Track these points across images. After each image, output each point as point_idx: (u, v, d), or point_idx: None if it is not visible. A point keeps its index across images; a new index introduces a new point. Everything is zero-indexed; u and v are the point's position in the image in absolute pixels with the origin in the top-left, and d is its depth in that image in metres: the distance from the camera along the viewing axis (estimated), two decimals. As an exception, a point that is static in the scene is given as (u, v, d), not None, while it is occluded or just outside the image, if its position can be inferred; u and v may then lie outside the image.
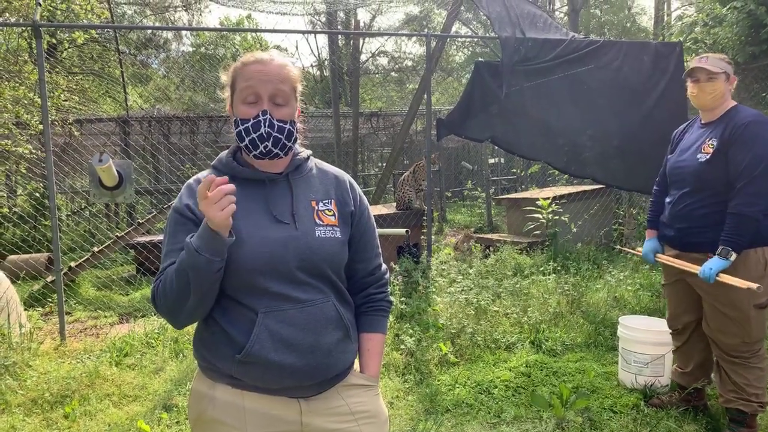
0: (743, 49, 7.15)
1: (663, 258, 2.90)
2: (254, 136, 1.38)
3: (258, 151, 1.39)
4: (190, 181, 1.47)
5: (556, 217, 6.70)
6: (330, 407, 1.43)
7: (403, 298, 4.83)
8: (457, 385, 3.52)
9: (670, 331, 3.07)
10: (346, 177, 1.57)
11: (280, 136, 1.39)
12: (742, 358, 2.65)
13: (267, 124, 1.37)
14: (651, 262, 3.00)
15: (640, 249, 3.11)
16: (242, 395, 1.38)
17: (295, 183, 1.46)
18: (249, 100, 1.39)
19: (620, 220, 7.72)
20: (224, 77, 1.47)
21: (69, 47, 12.34)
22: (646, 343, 3.30)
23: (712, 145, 2.58)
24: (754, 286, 2.35)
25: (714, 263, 2.48)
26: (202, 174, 1.48)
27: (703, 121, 2.75)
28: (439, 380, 3.62)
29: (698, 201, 2.64)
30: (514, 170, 13.97)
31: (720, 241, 2.50)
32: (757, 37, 7.00)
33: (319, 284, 1.40)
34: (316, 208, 1.45)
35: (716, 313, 2.67)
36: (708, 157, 2.58)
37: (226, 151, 1.50)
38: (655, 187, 3.03)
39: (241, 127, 1.39)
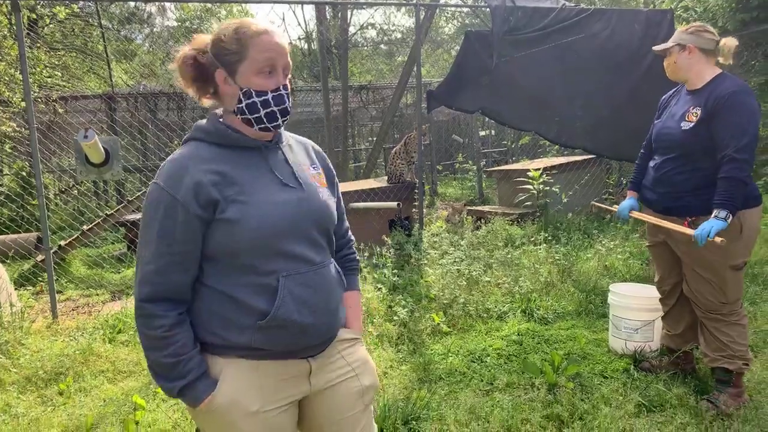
0: (733, 16, 7.11)
1: (637, 214, 2.99)
2: (276, 109, 1.37)
3: (274, 124, 1.39)
4: (168, 166, 1.34)
5: (547, 188, 6.71)
6: (330, 362, 1.51)
7: (395, 270, 4.85)
8: (450, 354, 3.56)
9: (660, 295, 3.11)
10: (316, 145, 1.64)
11: (289, 108, 1.42)
12: (722, 315, 2.74)
13: (288, 98, 1.40)
14: (624, 217, 3.07)
15: (616, 206, 3.17)
16: (256, 366, 1.39)
17: (285, 150, 1.49)
18: (266, 71, 1.35)
19: (610, 190, 7.75)
20: (230, 43, 1.35)
21: (50, 23, 12.05)
22: (636, 309, 3.34)
23: (695, 113, 2.64)
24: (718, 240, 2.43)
25: (714, 224, 2.47)
26: (176, 154, 1.37)
27: (688, 89, 2.80)
28: (432, 350, 3.65)
29: (679, 167, 2.71)
30: (505, 142, 13.94)
31: (715, 205, 2.52)
32: (748, 4, 6.96)
33: (326, 245, 1.48)
34: (310, 172, 1.50)
35: (694, 275, 2.77)
36: (691, 125, 2.63)
37: (204, 120, 1.43)
38: (641, 151, 3.09)
39: (256, 99, 1.35)
